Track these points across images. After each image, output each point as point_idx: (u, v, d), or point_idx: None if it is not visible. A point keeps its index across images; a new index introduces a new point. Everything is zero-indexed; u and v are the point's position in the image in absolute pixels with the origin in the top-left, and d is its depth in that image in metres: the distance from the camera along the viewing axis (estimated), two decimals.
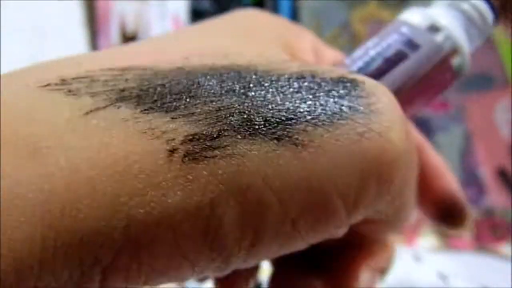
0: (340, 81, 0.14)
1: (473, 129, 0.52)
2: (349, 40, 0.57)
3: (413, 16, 0.19)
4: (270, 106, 0.12)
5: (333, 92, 0.13)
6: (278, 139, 0.12)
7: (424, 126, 0.54)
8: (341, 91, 0.13)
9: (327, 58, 0.19)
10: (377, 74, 0.17)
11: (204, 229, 0.11)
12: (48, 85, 0.12)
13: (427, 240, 0.49)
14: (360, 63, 0.18)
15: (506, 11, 0.19)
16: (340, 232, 0.14)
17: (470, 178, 0.52)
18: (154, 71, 0.13)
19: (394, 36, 0.18)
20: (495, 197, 0.52)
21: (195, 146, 0.11)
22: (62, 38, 0.62)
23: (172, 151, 0.11)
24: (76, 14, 0.63)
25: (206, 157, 0.11)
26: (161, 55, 0.14)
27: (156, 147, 0.11)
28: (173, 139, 0.11)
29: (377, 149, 0.13)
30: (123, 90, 0.12)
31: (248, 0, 0.62)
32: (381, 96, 0.14)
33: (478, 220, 0.53)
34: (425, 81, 0.18)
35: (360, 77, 0.14)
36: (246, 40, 0.15)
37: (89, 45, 0.70)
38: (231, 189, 0.11)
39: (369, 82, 0.14)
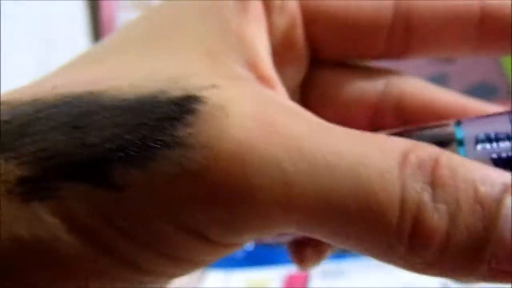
0: (177, 104, 0.13)
1: None
2: None
3: None
4: (86, 143, 0.12)
5: (159, 121, 0.12)
6: (95, 182, 0.12)
7: None
8: (168, 121, 0.12)
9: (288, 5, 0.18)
10: None
11: (53, 263, 0.12)
12: None
13: None
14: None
15: None
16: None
17: None
18: (11, 105, 0.13)
19: None
20: None
21: (27, 188, 0.12)
22: (67, 48, 0.63)
23: (10, 192, 0.12)
24: (80, 24, 0.64)
25: (39, 198, 0.12)
26: (46, 83, 0.14)
27: None
28: (8, 181, 0.12)
29: (185, 190, 0.12)
30: None
31: None
32: (213, 118, 0.12)
33: None
34: None
35: (210, 93, 0.13)
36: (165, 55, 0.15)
37: None
38: (73, 227, 0.12)
39: (217, 99, 0.13)
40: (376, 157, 0.12)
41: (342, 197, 0.12)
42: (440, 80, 0.53)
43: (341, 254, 0.44)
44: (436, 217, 0.12)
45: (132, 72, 0.14)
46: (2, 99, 0.14)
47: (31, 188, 0.12)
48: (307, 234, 0.13)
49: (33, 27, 0.57)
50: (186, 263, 0.14)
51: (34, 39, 0.56)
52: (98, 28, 0.69)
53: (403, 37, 0.18)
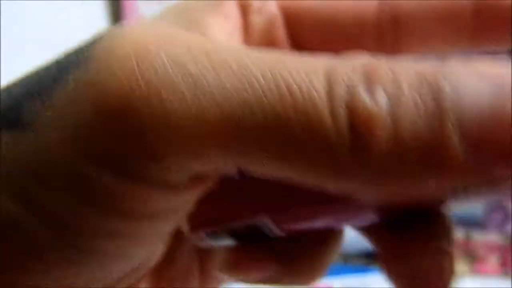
0: (82, 48, 0.13)
1: None
2: None
3: None
4: (14, 94, 0.13)
5: (65, 63, 0.13)
6: (9, 126, 0.12)
7: None
8: (72, 57, 0.13)
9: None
10: None
11: None
12: None
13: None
14: None
15: None
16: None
17: (495, 204, 0.52)
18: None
19: None
20: None
21: None
22: None
23: None
24: (101, 20, 0.62)
25: None
26: None
27: None
28: None
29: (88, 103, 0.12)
30: None
31: None
32: (101, 44, 0.12)
33: (504, 245, 0.53)
34: None
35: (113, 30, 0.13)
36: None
37: None
38: None
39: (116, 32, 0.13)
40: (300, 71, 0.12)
41: (269, 111, 0.11)
42: None
43: (365, 269, 0.44)
44: (372, 102, 0.11)
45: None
46: None
47: None
48: (241, 166, 0.12)
49: (50, 28, 0.56)
50: (131, 218, 0.13)
51: (51, 40, 0.55)
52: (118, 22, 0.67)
53: (392, 33, 0.17)
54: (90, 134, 0.12)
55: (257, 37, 0.17)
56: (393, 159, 0.11)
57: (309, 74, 0.11)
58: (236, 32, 0.17)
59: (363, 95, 0.11)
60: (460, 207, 0.55)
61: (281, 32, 0.17)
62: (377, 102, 0.11)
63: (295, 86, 0.11)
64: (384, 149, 0.11)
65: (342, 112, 0.11)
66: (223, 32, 0.16)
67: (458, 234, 0.54)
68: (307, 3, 0.17)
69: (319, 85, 0.11)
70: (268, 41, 0.17)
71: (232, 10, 0.17)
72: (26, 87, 0.13)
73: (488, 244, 0.54)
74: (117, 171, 0.12)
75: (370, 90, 0.11)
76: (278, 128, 0.11)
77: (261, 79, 0.11)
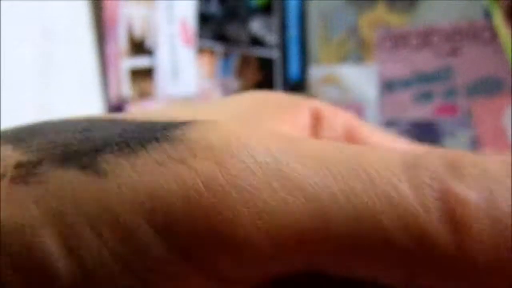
0: (176, 122, 0.13)
1: (481, 134, 0.52)
2: (357, 45, 0.57)
3: None
4: (89, 138, 0.13)
5: (148, 129, 0.13)
6: (83, 167, 0.13)
7: (431, 131, 0.54)
8: (158, 127, 0.13)
9: (337, 123, 0.19)
10: None
11: (27, 246, 0.12)
12: None
13: None
14: None
15: None
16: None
17: None
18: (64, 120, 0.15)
19: None
20: None
21: (20, 172, 0.13)
22: (70, 40, 0.62)
23: (4, 174, 0.13)
24: (83, 17, 0.63)
25: (27, 182, 0.13)
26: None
27: None
28: (7, 165, 0.13)
29: (172, 176, 0.12)
30: (5, 129, 0.14)
31: (255, 2, 0.62)
32: (203, 124, 0.13)
33: None
34: None
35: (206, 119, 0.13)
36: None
37: (96, 48, 0.70)
38: (45, 212, 0.12)
39: (202, 121, 0.13)
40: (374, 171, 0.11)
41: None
42: (445, 73, 0.52)
43: None
44: (465, 190, 0.11)
45: (155, 111, 0.15)
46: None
47: (24, 172, 0.13)
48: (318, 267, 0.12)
49: (35, 18, 0.57)
50: None
51: (36, 30, 0.56)
52: (101, 21, 0.68)
53: None
54: (166, 208, 0.12)
55: None
56: (498, 250, 0.10)
57: (391, 169, 0.11)
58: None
59: (454, 183, 0.11)
60: None
61: None
62: (469, 190, 0.11)
63: (379, 181, 0.11)
64: (486, 240, 0.10)
65: (434, 203, 0.11)
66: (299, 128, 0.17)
67: None
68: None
69: (404, 178, 0.11)
70: None
71: (305, 120, 0.17)
72: (106, 136, 0.13)
73: None
74: (185, 255, 0.12)
75: (459, 177, 0.11)
76: (369, 230, 0.11)
77: (347, 174, 0.11)
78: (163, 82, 0.70)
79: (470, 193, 0.11)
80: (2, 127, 0.15)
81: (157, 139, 0.12)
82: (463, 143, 0.53)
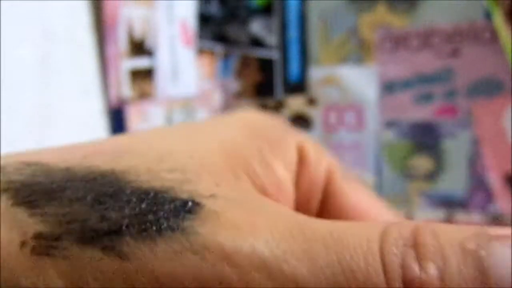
0: (182, 203, 0.15)
1: (482, 135, 0.52)
2: (357, 46, 0.57)
3: None
4: (105, 217, 0.14)
5: (167, 212, 0.14)
6: (104, 248, 0.14)
7: (431, 132, 0.54)
8: (173, 213, 0.14)
9: (321, 166, 0.20)
10: None
11: None
12: None
13: None
14: None
15: None
16: None
17: (478, 185, 0.52)
18: (47, 168, 0.15)
19: None
20: (503, 203, 0.52)
21: (41, 243, 0.14)
22: (70, 41, 0.62)
23: (24, 243, 0.14)
24: (83, 18, 0.63)
25: (48, 254, 0.14)
26: (77, 151, 0.16)
27: (12, 236, 0.14)
28: (26, 234, 0.14)
29: (188, 268, 0.14)
30: (11, 182, 0.15)
31: (255, 3, 0.62)
32: (208, 218, 0.14)
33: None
34: None
35: (208, 201, 0.15)
36: (191, 144, 0.17)
37: (96, 49, 0.70)
38: (70, 286, 0.13)
39: (213, 206, 0.15)
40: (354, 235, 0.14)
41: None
42: (445, 74, 0.52)
43: None
44: (424, 274, 0.13)
45: (150, 149, 0.16)
46: (37, 158, 0.16)
47: (44, 244, 0.14)
48: None
49: (36, 20, 0.57)
50: None
51: (37, 31, 0.56)
52: (101, 22, 0.68)
53: None
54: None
55: (302, 192, 0.20)
56: None
57: (365, 254, 0.13)
58: (290, 184, 0.19)
59: (416, 269, 0.13)
60: (441, 187, 0.54)
61: (317, 197, 0.20)
62: (429, 274, 0.13)
63: (355, 265, 0.13)
64: None
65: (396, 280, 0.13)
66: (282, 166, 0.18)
67: (440, 214, 0.53)
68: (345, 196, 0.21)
69: (376, 262, 0.13)
70: (305, 199, 0.20)
71: (293, 158, 0.19)
72: (121, 217, 0.14)
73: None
74: None
75: (421, 263, 0.13)
76: None
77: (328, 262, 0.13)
78: (163, 83, 0.70)
79: (429, 279, 0.13)
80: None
81: (172, 229, 0.14)
82: (464, 144, 0.53)
